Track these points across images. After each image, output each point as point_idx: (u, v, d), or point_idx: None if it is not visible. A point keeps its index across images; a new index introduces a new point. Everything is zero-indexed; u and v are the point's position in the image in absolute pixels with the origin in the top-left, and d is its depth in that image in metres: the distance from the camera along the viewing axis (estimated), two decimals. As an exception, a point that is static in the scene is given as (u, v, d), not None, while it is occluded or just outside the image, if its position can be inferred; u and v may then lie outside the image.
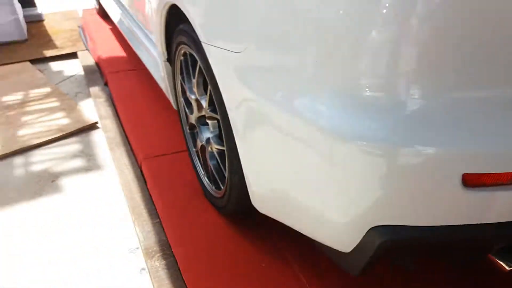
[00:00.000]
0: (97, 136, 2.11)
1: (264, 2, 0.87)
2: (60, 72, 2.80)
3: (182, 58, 1.46)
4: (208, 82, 1.20)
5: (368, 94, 0.74)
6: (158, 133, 1.98)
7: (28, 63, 2.82)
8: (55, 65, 2.89)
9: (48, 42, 3.13)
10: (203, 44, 1.10)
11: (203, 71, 1.22)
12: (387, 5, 0.68)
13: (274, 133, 0.91)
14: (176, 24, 1.43)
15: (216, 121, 1.36)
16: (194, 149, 1.62)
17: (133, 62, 2.69)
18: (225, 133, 1.17)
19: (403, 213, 0.77)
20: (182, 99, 1.61)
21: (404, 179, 0.74)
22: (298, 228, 0.99)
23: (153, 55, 1.93)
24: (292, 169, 0.91)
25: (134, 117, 2.12)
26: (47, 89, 2.52)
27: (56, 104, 2.34)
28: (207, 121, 1.38)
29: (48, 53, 2.95)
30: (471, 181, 0.72)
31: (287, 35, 0.82)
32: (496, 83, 0.71)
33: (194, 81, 1.38)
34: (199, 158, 1.60)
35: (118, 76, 2.53)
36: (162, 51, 1.62)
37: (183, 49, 1.41)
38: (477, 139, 0.71)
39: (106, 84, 2.55)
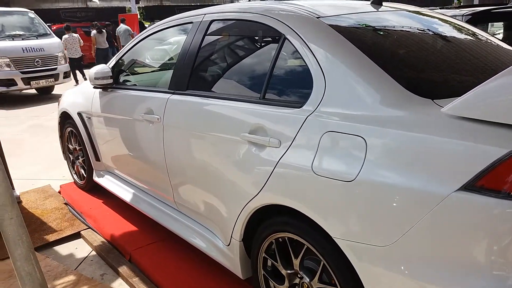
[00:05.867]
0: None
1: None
2: (70, 256, 2.83)
3: (273, 241, 1.83)
4: (327, 264, 1.59)
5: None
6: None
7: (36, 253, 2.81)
8: (61, 250, 2.92)
9: (41, 225, 3.15)
10: (335, 239, 1.51)
11: (321, 256, 1.60)
12: None
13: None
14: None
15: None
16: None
17: (149, 235, 2.88)
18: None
19: None
20: (263, 271, 1.93)
21: None
22: None
23: (206, 236, 2.27)
24: None
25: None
26: (71, 277, 2.55)
27: (94, 292, 2.39)
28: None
29: (51, 238, 2.98)
30: None
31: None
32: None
33: (296, 261, 1.74)
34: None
35: (144, 251, 2.69)
36: (240, 234, 1.97)
37: (279, 235, 1.79)
38: None
39: (130, 261, 2.67)
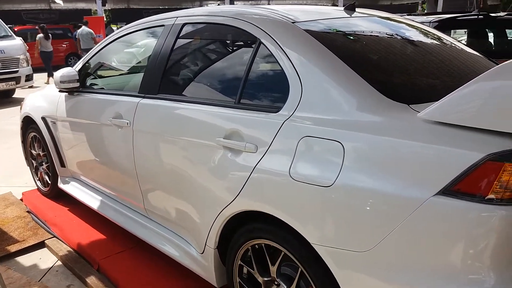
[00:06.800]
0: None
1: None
2: (34, 267, 2.69)
3: (250, 248, 1.79)
4: (305, 270, 1.56)
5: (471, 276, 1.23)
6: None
7: (-4, 264, 2.66)
8: (24, 260, 2.76)
9: (2, 235, 2.98)
10: (314, 245, 1.48)
11: (299, 263, 1.58)
12: None
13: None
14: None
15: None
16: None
17: (118, 244, 2.78)
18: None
19: None
20: (239, 279, 1.89)
21: None
22: None
23: (179, 244, 2.22)
24: None
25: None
26: (35, 290, 2.42)
27: (60, 305, 2.28)
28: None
29: (13, 248, 2.82)
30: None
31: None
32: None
33: (274, 268, 1.71)
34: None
35: (112, 260, 2.59)
36: (215, 241, 1.92)
37: (255, 242, 1.75)
38: None
39: (98, 270, 2.57)
